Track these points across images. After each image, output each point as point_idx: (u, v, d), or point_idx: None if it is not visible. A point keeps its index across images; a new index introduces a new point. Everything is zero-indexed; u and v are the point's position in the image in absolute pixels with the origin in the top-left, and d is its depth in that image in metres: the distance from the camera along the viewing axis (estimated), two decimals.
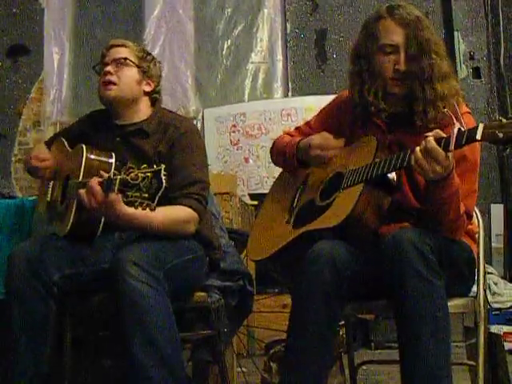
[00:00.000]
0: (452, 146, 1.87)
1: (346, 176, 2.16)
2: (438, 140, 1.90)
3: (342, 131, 2.32)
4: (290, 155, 2.38)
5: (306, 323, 2.01)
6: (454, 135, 1.86)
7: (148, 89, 2.55)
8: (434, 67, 2.12)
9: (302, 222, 2.23)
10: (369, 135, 2.20)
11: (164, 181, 1.94)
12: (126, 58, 2.50)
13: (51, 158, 2.54)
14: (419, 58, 2.12)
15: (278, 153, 2.47)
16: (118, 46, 2.53)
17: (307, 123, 2.48)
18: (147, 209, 1.95)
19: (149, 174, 1.95)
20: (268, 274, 2.65)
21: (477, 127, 1.82)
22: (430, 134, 1.93)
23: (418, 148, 1.93)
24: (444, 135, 1.91)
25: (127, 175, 1.96)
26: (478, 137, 1.81)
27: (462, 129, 1.87)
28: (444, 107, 2.09)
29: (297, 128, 2.52)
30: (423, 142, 1.92)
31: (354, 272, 2.04)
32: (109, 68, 2.48)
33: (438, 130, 1.94)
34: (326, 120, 2.39)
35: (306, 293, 2.01)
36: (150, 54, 2.60)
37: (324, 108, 2.44)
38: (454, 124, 1.89)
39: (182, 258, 2.31)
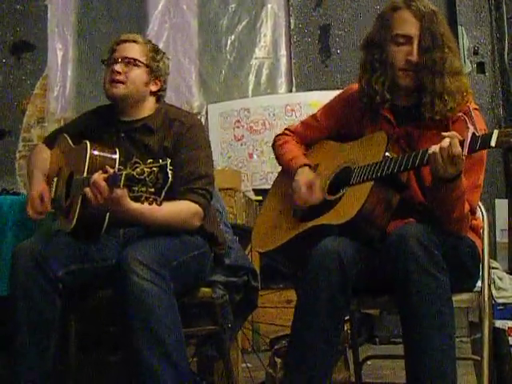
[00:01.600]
0: (466, 151, 1.85)
1: (355, 172, 2.15)
2: None
3: (349, 125, 2.31)
4: (287, 173, 2.38)
5: (310, 322, 2.00)
6: (468, 140, 1.85)
7: (154, 89, 2.54)
8: (446, 61, 2.12)
9: (309, 215, 2.22)
10: (379, 130, 2.19)
11: (170, 175, 1.94)
12: (135, 60, 2.48)
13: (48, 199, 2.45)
14: (432, 50, 2.11)
15: (278, 158, 2.48)
16: (129, 41, 2.51)
17: (313, 116, 2.46)
18: (153, 203, 1.95)
19: (155, 169, 1.94)
20: (272, 269, 2.64)
21: (491, 134, 1.81)
22: (446, 133, 1.92)
23: (434, 145, 1.91)
24: (460, 137, 1.89)
25: (133, 170, 1.96)
26: (493, 144, 1.80)
27: (476, 133, 1.85)
28: (451, 101, 2.08)
29: (302, 122, 2.51)
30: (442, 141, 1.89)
31: (360, 270, 2.04)
32: (117, 67, 2.46)
33: (454, 132, 1.92)
34: (333, 113, 2.38)
35: (312, 291, 2.01)
36: (159, 50, 2.58)
37: (331, 101, 2.43)
38: (468, 128, 1.87)
39: (187, 255, 2.31)
